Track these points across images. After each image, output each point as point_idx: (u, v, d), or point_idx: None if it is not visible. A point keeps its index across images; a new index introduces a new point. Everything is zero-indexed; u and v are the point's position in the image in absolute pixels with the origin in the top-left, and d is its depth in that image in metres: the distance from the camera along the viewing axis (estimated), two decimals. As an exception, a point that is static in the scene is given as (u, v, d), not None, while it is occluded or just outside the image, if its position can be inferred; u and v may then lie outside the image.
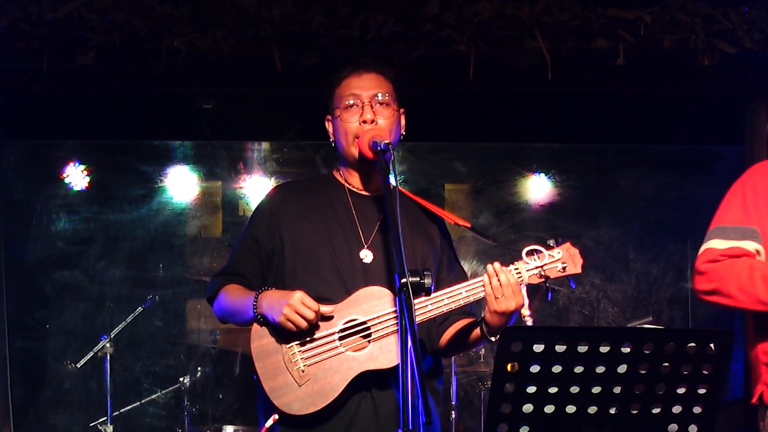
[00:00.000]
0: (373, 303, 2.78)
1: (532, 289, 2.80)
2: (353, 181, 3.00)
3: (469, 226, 3.00)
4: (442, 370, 3.04)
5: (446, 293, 2.78)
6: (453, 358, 5.13)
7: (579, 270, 2.82)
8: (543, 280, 2.79)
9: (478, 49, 4.45)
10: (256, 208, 3.06)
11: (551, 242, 2.83)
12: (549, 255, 2.80)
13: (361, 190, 3.00)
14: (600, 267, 6.17)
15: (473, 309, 2.95)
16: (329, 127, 3.02)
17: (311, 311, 2.72)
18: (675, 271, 6.15)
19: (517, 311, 2.74)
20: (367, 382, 2.77)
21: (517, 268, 2.78)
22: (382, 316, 2.77)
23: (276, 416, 2.78)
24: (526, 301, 2.75)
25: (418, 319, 2.72)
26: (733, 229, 2.96)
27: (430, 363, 2.94)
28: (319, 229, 2.92)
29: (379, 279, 2.84)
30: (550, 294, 2.81)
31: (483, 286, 2.75)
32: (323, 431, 2.78)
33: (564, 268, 2.80)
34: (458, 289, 2.79)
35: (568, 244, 2.84)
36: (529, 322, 2.74)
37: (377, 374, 2.73)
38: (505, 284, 2.72)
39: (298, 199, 2.99)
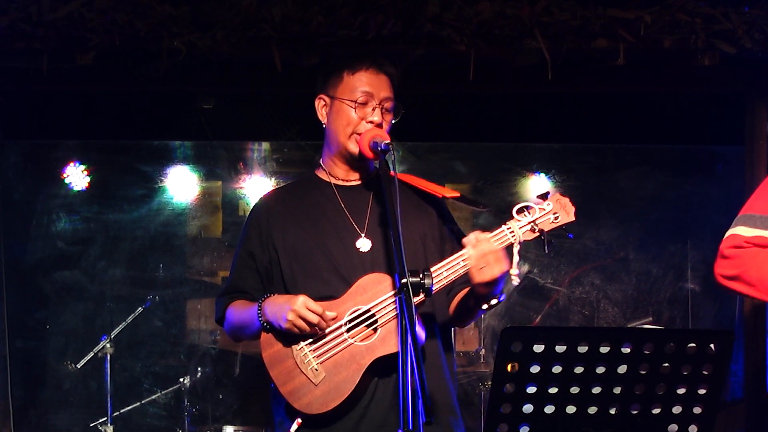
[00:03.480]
0: (375, 290, 2.79)
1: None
2: (338, 172, 3.00)
3: (458, 195, 2.99)
4: (452, 345, 3.03)
5: (443, 266, 2.77)
6: (453, 358, 5.12)
7: (572, 218, 2.81)
8: (538, 234, 2.78)
9: (478, 49, 4.45)
10: (245, 223, 3.06)
11: (538, 196, 2.83)
12: (539, 208, 2.80)
13: (346, 181, 2.99)
14: (600, 267, 6.17)
15: None
16: (322, 107, 2.99)
17: (315, 315, 2.73)
18: (675, 271, 6.14)
19: (503, 276, 2.73)
20: (379, 369, 2.78)
21: (509, 227, 2.77)
22: (384, 300, 2.77)
23: (299, 420, 2.79)
24: (516, 259, 2.73)
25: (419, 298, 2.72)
26: (761, 218, 2.96)
27: (439, 338, 2.94)
28: (311, 232, 2.92)
29: (379, 266, 2.85)
30: (547, 246, 2.79)
31: (464, 260, 2.73)
32: (340, 424, 2.79)
33: (556, 218, 2.79)
34: (455, 259, 2.76)
35: (557, 195, 2.84)
36: (516, 281, 2.73)
37: (388, 360, 2.73)
38: (488, 252, 2.70)
39: (284, 206, 2.99)
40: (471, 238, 2.73)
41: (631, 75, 4.74)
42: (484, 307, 2.82)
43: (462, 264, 2.75)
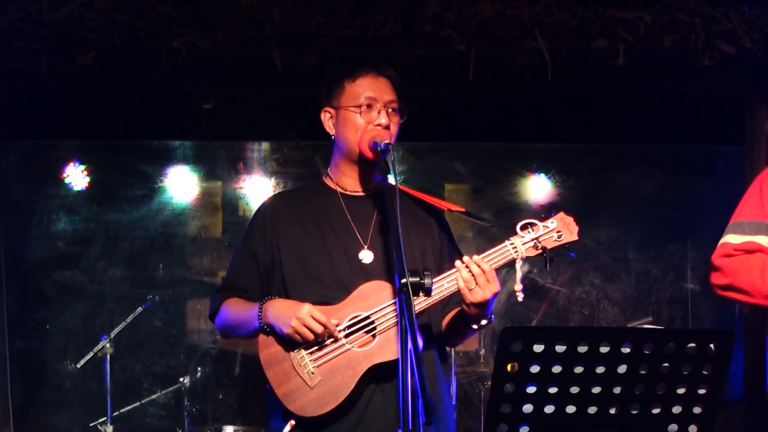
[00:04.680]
0: (375, 297, 2.79)
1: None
2: (346, 182, 3.00)
3: (463, 210, 3.00)
4: (447, 356, 3.04)
5: (440, 279, 2.78)
6: (453, 358, 5.13)
7: (575, 237, 2.83)
8: (540, 251, 2.80)
9: (478, 49, 4.45)
10: (250, 222, 3.06)
11: (543, 214, 2.85)
12: (543, 226, 2.82)
13: (354, 191, 3.00)
14: (600, 267, 6.17)
15: None
16: (329, 119, 2.99)
17: (320, 325, 2.73)
18: (675, 271, 6.15)
19: (494, 298, 2.74)
20: (377, 375, 2.78)
21: (513, 243, 2.79)
22: (384, 308, 2.78)
23: (293, 422, 2.79)
24: (519, 275, 2.75)
25: (422, 305, 2.73)
26: (749, 224, 2.97)
27: (436, 348, 2.95)
28: (315, 238, 2.92)
29: (379, 278, 2.85)
30: (549, 264, 2.81)
31: (455, 280, 2.75)
32: (336, 428, 2.79)
33: (560, 237, 2.81)
34: (450, 275, 2.78)
35: (561, 214, 2.86)
36: (520, 297, 2.74)
37: (386, 367, 2.74)
38: (477, 274, 2.71)
39: (291, 209, 2.99)
40: (458, 262, 2.74)
41: (631, 75, 4.74)
42: (474, 327, 2.84)
43: (455, 282, 2.76)
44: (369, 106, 2.90)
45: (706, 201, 6.08)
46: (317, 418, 2.76)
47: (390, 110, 2.92)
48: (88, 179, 6.15)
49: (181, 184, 6.30)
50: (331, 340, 2.78)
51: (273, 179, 6.25)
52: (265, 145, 6.30)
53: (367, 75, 2.93)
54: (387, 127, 2.88)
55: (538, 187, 6.35)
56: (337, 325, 2.78)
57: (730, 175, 5.86)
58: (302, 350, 2.80)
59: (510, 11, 4.40)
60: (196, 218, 6.36)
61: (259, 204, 3.10)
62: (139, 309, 5.60)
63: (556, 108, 5.57)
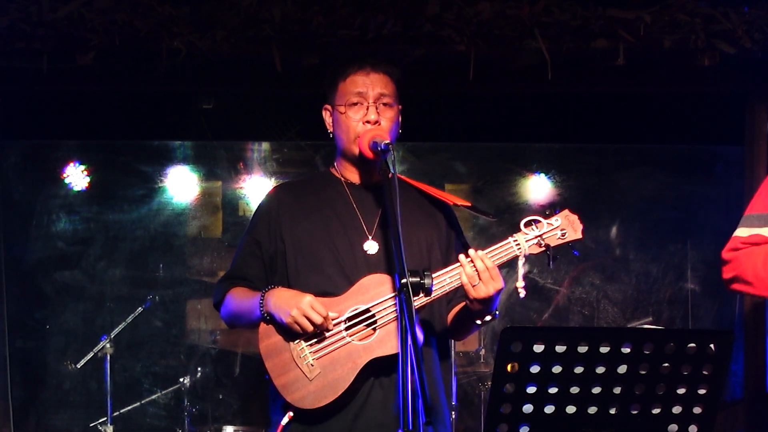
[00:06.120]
0: (376, 290, 2.79)
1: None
2: (351, 176, 3.01)
3: (468, 205, 3.00)
4: (449, 353, 3.03)
5: (444, 274, 2.78)
6: (453, 358, 5.13)
7: (579, 235, 2.82)
8: (544, 249, 2.79)
9: (478, 49, 4.45)
10: (255, 211, 3.07)
11: (548, 211, 2.84)
12: (547, 223, 2.81)
13: (359, 183, 3.00)
14: (600, 267, 6.17)
15: None
16: (328, 117, 3.01)
17: (320, 316, 2.73)
18: (675, 271, 6.14)
19: (497, 294, 2.74)
20: (376, 369, 2.78)
21: (516, 240, 2.78)
22: (385, 302, 2.77)
23: (291, 414, 2.79)
24: (522, 272, 2.75)
25: (422, 302, 2.73)
26: (758, 217, 2.97)
27: (435, 345, 2.94)
28: (319, 227, 2.93)
29: (383, 269, 2.85)
30: (551, 262, 2.80)
31: (458, 275, 2.74)
32: (334, 422, 2.79)
33: (564, 234, 2.81)
34: (454, 269, 2.78)
35: (566, 211, 2.85)
36: (522, 294, 2.74)
37: (386, 361, 2.74)
38: (481, 270, 2.71)
39: (296, 198, 3.00)
40: (462, 257, 2.73)
41: (631, 75, 4.73)
42: (478, 322, 2.83)
43: (458, 277, 2.76)
44: (358, 104, 2.91)
45: (706, 201, 6.07)
46: (315, 411, 2.76)
47: (382, 104, 2.92)
48: (88, 179, 6.14)
49: (181, 184, 6.30)
50: (332, 332, 2.78)
51: (273, 179, 6.25)
52: (265, 145, 6.30)
53: (358, 72, 2.94)
54: (377, 123, 2.88)
55: (538, 187, 6.34)
56: (338, 317, 2.78)
57: (730, 175, 5.86)
58: (302, 342, 2.79)
59: (510, 11, 4.40)
60: (196, 218, 6.35)
61: (264, 195, 3.10)
62: (139, 309, 5.60)
63: (556, 108, 5.57)
